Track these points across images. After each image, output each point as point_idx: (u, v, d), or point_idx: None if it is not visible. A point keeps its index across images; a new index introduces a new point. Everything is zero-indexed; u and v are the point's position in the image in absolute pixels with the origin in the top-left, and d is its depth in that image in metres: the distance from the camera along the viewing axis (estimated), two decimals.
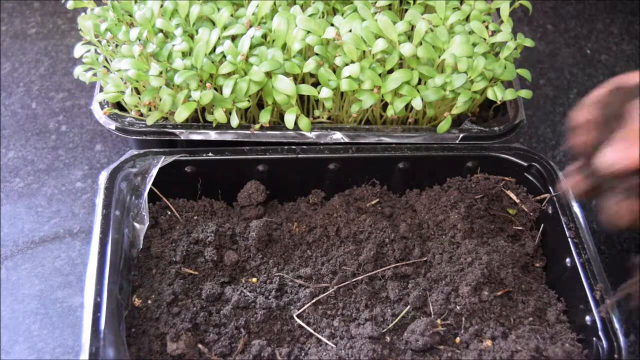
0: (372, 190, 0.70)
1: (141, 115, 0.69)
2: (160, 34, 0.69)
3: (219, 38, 0.68)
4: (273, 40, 0.69)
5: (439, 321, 0.60)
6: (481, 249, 0.64)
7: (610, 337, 0.57)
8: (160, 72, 0.66)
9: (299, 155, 0.67)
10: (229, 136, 0.68)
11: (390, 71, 0.68)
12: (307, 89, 0.68)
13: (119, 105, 0.71)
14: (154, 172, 0.65)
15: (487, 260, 0.63)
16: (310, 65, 0.67)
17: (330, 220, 0.67)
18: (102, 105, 0.69)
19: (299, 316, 0.60)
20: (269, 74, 0.67)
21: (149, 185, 0.64)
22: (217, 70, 0.67)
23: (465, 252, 0.64)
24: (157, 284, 0.61)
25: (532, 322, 0.61)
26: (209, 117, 0.69)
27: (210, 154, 0.67)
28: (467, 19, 0.73)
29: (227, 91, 0.66)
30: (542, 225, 0.67)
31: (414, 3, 0.75)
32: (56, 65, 0.93)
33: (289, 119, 0.67)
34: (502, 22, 0.74)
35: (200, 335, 0.58)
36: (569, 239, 0.63)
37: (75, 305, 0.68)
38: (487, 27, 0.72)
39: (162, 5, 0.70)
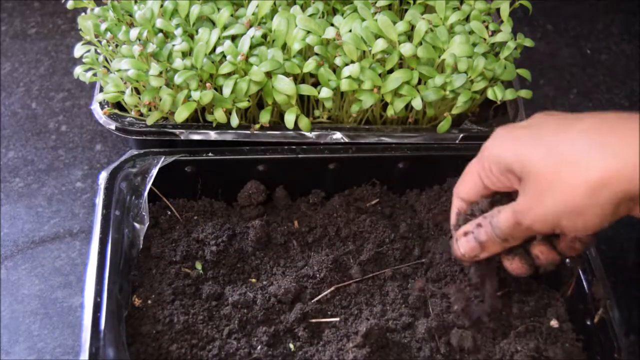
0: (372, 190, 0.70)
1: (141, 115, 0.69)
2: (160, 34, 0.69)
3: (219, 38, 0.68)
4: (273, 40, 0.69)
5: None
6: None
7: (610, 337, 0.57)
8: (160, 72, 0.66)
9: (299, 155, 0.67)
10: (229, 136, 0.68)
11: (390, 71, 0.68)
12: (307, 89, 0.68)
13: (119, 105, 0.71)
14: (154, 172, 0.65)
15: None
16: (310, 65, 0.67)
17: (330, 220, 0.67)
18: (102, 105, 0.69)
19: (299, 316, 0.60)
20: (269, 74, 0.67)
21: (149, 185, 0.64)
22: (217, 70, 0.67)
23: None
24: (157, 284, 0.61)
25: (532, 322, 0.61)
26: (209, 117, 0.69)
27: (210, 154, 0.67)
28: (467, 19, 0.73)
29: (227, 91, 0.66)
30: None
31: (414, 3, 0.75)
32: (56, 65, 0.93)
33: (289, 119, 0.67)
34: (502, 22, 0.74)
35: (200, 335, 0.58)
36: None
37: (75, 305, 0.68)
38: (487, 27, 0.72)
39: (162, 5, 0.70)
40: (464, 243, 0.52)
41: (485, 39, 0.71)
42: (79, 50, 0.71)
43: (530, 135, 0.46)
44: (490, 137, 0.50)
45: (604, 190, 0.40)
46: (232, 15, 0.71)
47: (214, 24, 0.71)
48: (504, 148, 0.47)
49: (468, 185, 0.52)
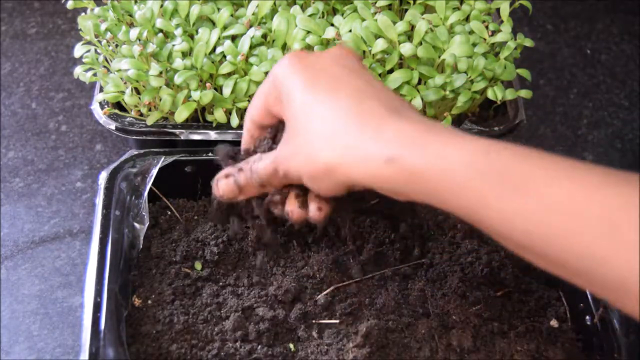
0: (372, 190, 0.70)
1: (141, 115, 0.69)
2: (160, 34, 0.69)
3: (219, 38, 0.68)
4: (273, 40, 0.69)
5: None
6: (481, 249, 0.64)
7: (610, 337, 0.57)
8: (160, 72, 0.66)
9: None
10: (229, 136, 0.68)
11: (390, 71, 0.68)
12: None
13: (119, 105, 0.71)
14: (154, 172, 0.65)
15: (487, 260, 0.63)
16: None
17: (330, 220, 0.67)
18: (102, 105, 0.69)
19: (299, 316, 0.60)
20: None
21: (149, 185, 0.64)
22: (217, 70, 0.67)
23: (465, 252, 0.64)
24: (157, 284, 0.61)
25: (532, 322, 0.61)
26: (209, 117, 0.69)
27: (210, 154, 0.67)
28: (467, 19, 0.73)
29: (227, 91, 0.66)
30: None
31: (414, 3, 0.75)
32: (56, 65, 0.93)
33: None
34: (502, 22, 0.74)
35: (200, 336, 0.58)
36: None
37: (75, 305, 0.68)
38: (487, 27, 0.72)
39: (162, 5, 0.70)
40: (224, 185, 0.53)
41: (485, 39, 0.71)
42: (79, 50, 0.71)
43: (307, 75, 0.47)
44: (283, 57, 0.50)
45: (333, 173, 0.44)
46: (232, 15, 0.71)
47: (214, 24, 0.71)
48: (284, 73, 0.48)
49: (256, 106, 0.52)
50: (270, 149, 0.51)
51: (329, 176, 0.44)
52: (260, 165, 0.50)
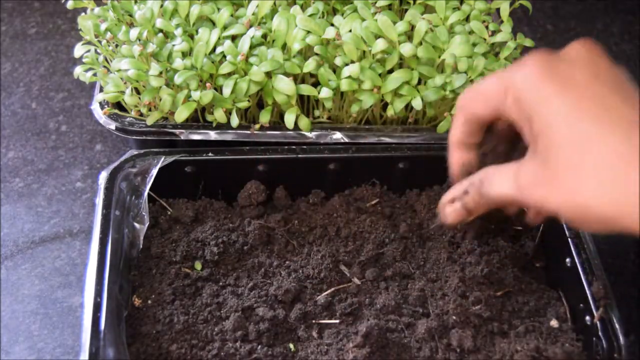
0: (372, 190, 0.70)
1: (141, 115, 0.69)
2: (160, 34, 0.69)
3: (219, 38, 0.68)
4: (273, 40, 0.69)
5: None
6: (481, 249, 0.64)
7: (610, 337, 0.57)
8: (160, 72, 0.66)
9: (299, 155, 0.67)
10: (229, 136, 0.68)
11: (390, 71, 0.68)
12: (307, 89, 0.68)
13: (119, 105, 0.71)
14: (154, 172, 0.65)
15: (487, 260, 0.63)
16: (310, 65, 0.67)
17: (330, 220, 0.67)
18: (102, 105, 0.69)
19: (299, 316, 0.60)
20: (269, 74, 0.67)
21: (149, 185, 0.64)
22: (217, 70, 0.67)
23: (465, 252, 0.64)
24: (157, 284, 0.61)
25: (532, 322, 0.61)
26: (209, 117, 0.69)
27: (210, 154, 0.67)
28: (467, 19, 0.73)
29: (227, 91, 0.66)
30: (542, 225, 0.67)
31: (414, 3, 0.75)
32: (56, 65, 0.93)
33: (289, 119, 0.67)
34: (502, 22, 0.74)
35: (200, 336, 0.58)
36: (569, 239, 0.63)
37: (75, 305, 0.68)
38: (487, 27, 0.72)
39: (162, 5, 0.70)
40: (451, 211, 0.49)
41: (485, 39, 0.71)
42: (79, 50, 0.71)
43: (568, 97, 0.41)
44: (527, 62, 0.44)
45: (612, 222, 0.40)
46: (232, 15, 0.71)
47: (214, 24, 0.71)
48: (532, 84, 0.43)
49: (481, 102, 0.46)
50: (500, 161, 0.46)
51: (603, 224, 0.40)
52: (494, 189, 0.45)
